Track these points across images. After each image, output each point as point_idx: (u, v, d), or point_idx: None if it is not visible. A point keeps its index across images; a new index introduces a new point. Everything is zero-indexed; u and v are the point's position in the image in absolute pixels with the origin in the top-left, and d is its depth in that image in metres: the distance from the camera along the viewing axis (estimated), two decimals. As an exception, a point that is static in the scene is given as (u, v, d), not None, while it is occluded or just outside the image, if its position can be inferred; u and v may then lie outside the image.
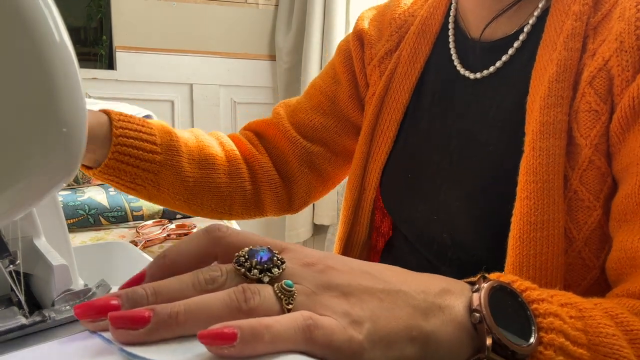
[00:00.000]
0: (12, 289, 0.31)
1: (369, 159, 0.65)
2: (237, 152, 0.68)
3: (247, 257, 0.29)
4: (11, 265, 0.30)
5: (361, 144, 0.65)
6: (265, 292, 0.27)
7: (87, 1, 2.39)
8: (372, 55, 0.67)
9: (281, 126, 0.70)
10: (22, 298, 0.30)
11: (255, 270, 0.28)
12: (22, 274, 0.31)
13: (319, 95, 0.71)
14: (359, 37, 0.70)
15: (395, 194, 0.62)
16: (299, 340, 0.25)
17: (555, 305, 0.33)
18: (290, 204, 0.72)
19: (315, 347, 0.26)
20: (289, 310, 0.27)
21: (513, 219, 0.48)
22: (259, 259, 0.29)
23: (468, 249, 0.55)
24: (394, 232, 0.68)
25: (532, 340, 0.31)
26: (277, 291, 0.27)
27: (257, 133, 0.72)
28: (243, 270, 0.28)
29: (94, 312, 0.26)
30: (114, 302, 0.26)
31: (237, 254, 0.29)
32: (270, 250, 0.30)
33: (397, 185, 0.62)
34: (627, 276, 0.43)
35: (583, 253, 0.47)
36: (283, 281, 0.28)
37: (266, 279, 0.28)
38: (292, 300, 0.27)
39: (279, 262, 0.29)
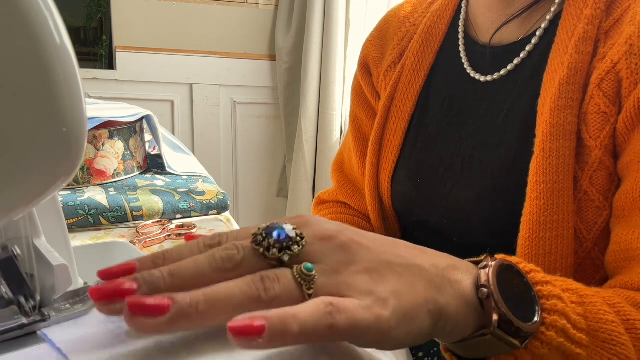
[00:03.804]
0: (12, 289, 0.31)
1: (379, 169, 0.65)
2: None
3: (264, 235, 0.28)
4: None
5: (370, 156, 0.66)
6: (285, 279, 0.27)
7: (87, 1, 2.39)
8: (379, 73, 0.68)
9: (350, 197, 0.74)
10: (22, 298, 0.30)
11: (275, 250, 0.27)
12: (22, 274, 0.31)
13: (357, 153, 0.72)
14: (364, 64, 0.70)
15: (405, 199, 0.63)
16: (323, 326, 0.25)
17: (558, 289, 0.33)
18: None
19: (340, 332, 0.25)
20: (309, 296, 0.26)
21: (523, 219, 0.48)
22: (277, 237, 0.28)
23: (478, 251, 0.55)
24: (405, 236, 0.69)
25: (536, 319, 0.31)
26: (297, 276, 0.27)
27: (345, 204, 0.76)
28: (262, 249, 0.28)
29: (109, 294, 0.25)
30: (131, 284, 0.25)
31: (254, 232, 0.29)
32: (288, 225, 0.29)
33: (407, 191, 0.62)
34: (622, 269, 0.44)
35: (593, 253, 0.48)
36: (303, 265, 0.27)
37: (286, 258, 0.27)
38: (312, 284, 0.27)
39: (298, 238, 0.28)
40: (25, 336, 0.28)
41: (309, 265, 0.27)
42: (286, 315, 0.24)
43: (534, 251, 0.47)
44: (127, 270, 0.27)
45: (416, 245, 0.33)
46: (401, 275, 0.29)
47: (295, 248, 0.28)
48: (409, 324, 0.27)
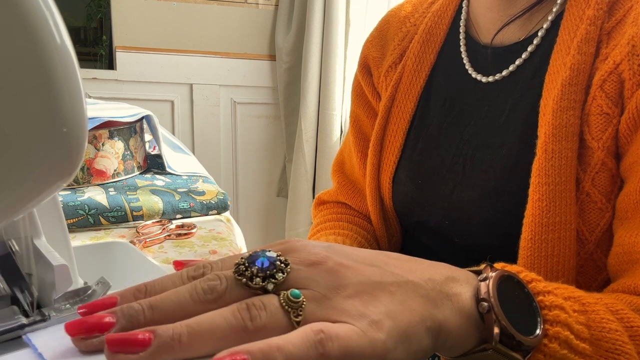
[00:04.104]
0: (11, 289, 0.31)
1: (380, 170, 0.65)
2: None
3: (247, 264, 0.27)
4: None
5: (371, 156, 0.65)
6: (271, 306, 0.25)
7: (87, 1, 2.40)
8: (379, 73, 0.67)
9: (351, 198, 0.73)
10: (21, 297, 0.30)
11: (258, 279, 0.27)
12: (21, 274, 0.31)
13: (358, 153, 0.72)
14: (364, 64, 0.70)
15: (406, 199, 0.63)
16: (313, 356, 0.24)
17: (560, 298, 0.33)
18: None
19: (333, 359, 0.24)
20: (297, 323, 0.25)
21: (525, 221, 0.48)
22: (260, 266, 0.27)
23: (480, 252, 0.55)
24: (406, 236, 0.69)
25: (538, 331, 0.31)
26: (284, 303, 0.26)
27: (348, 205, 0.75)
28: (244, 279, 0.27)
29: (86, 329, 0.24)
30: (109, 319, 0.25)
31: (236, 261, 0.28)
32: (271, 252, 0.28)
33: (408, 192, 0.62)
34: (625, 272, 0.43)
35: (595, 255, 0.47)
36: (289, 291, 0.26)
37: (270, 287, 0.26)
38: (300, 311, 0.26)
39: (282, 265, 0.27)
40: (11, 340, 0.28)
41: (296, 291, 0.26)
42: (270, 348, 0.23)
43: (536, 253, 0.47)
44: (107, 304, 0.27)
45: (411, 258, 0.32)
46: (394, 294, 0.28)
47: (280, 276, 0.27)
48: (407, 344, 0.27)
